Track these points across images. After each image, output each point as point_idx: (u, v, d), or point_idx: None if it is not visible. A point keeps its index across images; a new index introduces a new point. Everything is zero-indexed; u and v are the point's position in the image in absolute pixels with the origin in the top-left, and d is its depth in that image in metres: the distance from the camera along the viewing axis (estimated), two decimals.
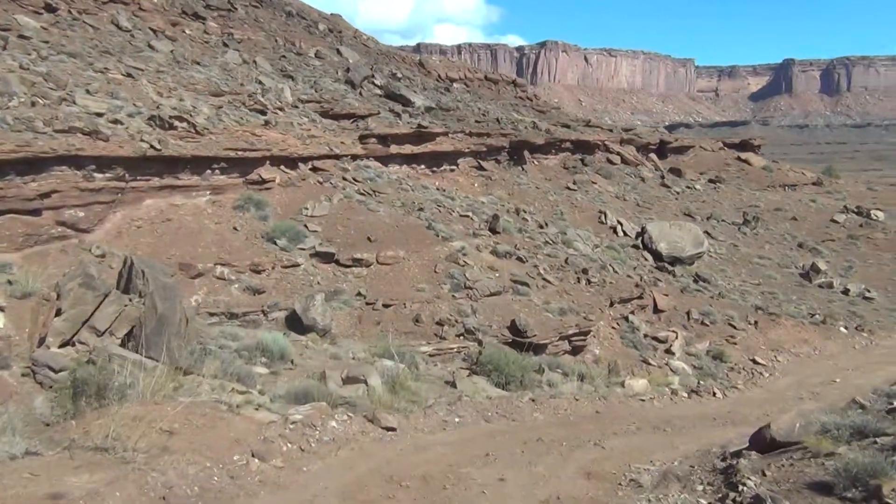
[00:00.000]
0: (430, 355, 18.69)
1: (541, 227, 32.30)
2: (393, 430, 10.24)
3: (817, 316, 28.28)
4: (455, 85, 77.04)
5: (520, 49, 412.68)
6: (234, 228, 23.54)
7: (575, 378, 18.41)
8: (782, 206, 53.81)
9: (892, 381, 23.66)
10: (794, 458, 8.55)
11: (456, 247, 24.49)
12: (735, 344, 24.39)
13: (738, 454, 9.64)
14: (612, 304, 24.17)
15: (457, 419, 11.66)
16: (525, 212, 34.51)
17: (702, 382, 20.39)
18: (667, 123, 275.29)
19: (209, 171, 24.91)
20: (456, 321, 20.59)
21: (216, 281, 21.13)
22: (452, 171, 42.86)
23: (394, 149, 39.42)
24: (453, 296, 21.77)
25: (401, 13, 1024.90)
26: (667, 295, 26.65)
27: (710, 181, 63.37)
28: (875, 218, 50.02)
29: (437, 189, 34.96)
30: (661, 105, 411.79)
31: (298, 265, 22.74)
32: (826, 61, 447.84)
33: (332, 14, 74.42)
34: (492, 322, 20.86)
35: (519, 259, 25.64)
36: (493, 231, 28.31)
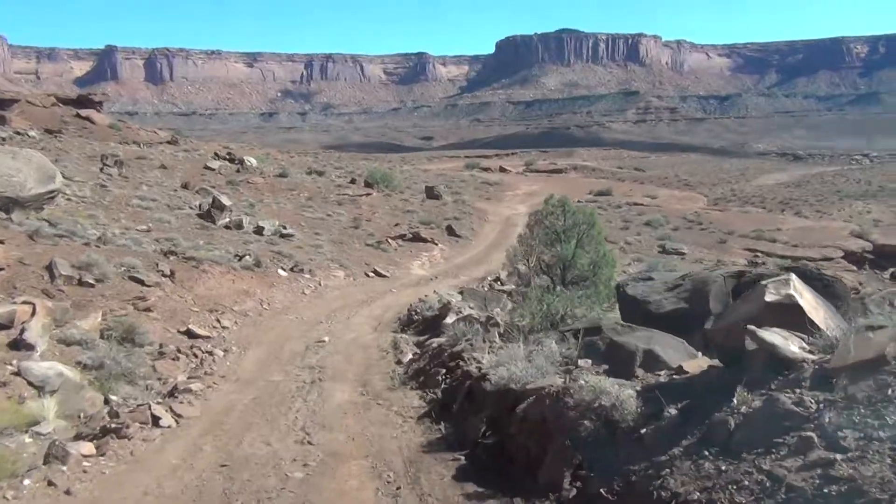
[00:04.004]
0: None
1: None
2: None
3: (248, 258, 19.45)
4: None
5: None
6: None
7: None
8: (145, 157, 44.22)
9: (385, 325, 16.55)
10: None
11: None
12: (150, 310, 13.40)
13: None
14: None
15: None
16: None
17: (117, 398, 9.00)
18: None
19: None
20: None
21: None
22: None
23: None
24: None
25: None
26: (2, 242, 13.78)
27: (48, 131, 49.20)
28: (249, 163, 45.10)
29: None
30: None
31: None
32: (148, 51, 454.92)
33: None
34: None
35: None
36: None
